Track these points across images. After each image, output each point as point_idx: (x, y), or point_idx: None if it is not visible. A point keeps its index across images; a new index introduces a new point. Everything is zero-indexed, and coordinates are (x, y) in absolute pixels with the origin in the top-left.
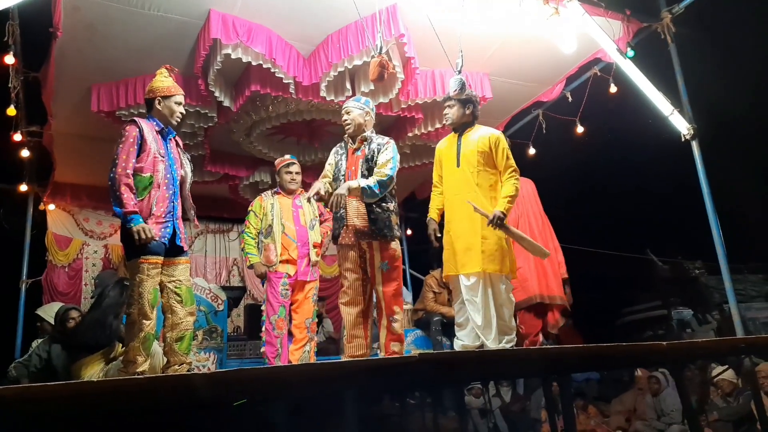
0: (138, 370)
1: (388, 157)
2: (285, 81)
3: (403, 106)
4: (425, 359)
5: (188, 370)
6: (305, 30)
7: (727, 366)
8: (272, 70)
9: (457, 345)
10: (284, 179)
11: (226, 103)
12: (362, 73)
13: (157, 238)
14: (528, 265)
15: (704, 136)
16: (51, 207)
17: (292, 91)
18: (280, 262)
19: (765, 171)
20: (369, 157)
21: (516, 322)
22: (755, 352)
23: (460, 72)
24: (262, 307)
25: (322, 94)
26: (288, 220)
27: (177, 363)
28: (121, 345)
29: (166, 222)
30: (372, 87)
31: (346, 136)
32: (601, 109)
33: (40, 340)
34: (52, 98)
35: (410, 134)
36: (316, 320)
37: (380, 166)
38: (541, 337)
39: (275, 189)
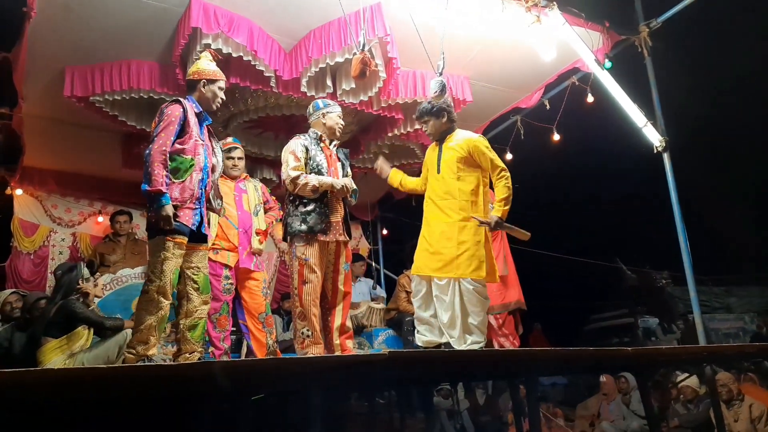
0: (148, 353)
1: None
2: (266, 74)
3: (383, 105)
4: (395, 357)
5: (199, 359)
6: (288, 24)
7: (690, 374)
8: (253, 63)
9: (420, 340)
10: (225, 165)
11: None
12: (344, 70)
13: (188, 224)
14: (512, 271)
15: (676, 149)
16: (18, 192)
17: (273, 85)
18: (220, 249)
19: (734, 185)
20: (342, 164)
21: (500, 323)
22: (716, 361)
23: (441, 74)
24: None
25: (303, 89)
26: (229, 204)
27: (188, 351)
28: (91, 331)
29: (196, 208)
30: (353, 84)
31: (320, 132)
32: (578, 118)
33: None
34: (24, 80)
35: (390, 134)
36: (270, 314)
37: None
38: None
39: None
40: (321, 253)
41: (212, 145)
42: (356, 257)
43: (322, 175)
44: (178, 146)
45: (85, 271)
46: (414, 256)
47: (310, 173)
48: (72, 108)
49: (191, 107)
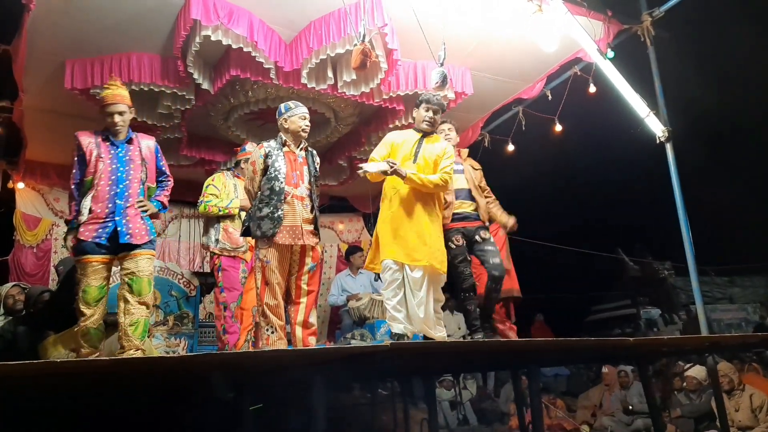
0: (82, 352)
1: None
2: (266, 66)
3: (384, 97)
4: (397, 348)
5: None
6: (288, 15)
7: (693, 363)
8: (253, 54)
9: (398, 329)
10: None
11: (205, 85)
12: (344, 61)
13: (88, 239)
14: (507, 259)
15: (678, 139)
16: (20, 186)
17: (273, 77)
18: (236, 248)
19: (737, 176)
20: (312, 168)
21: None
22: (718, 351)
23: (442, 65)
24: (222, 293)
25: (304, 80)
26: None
27: (131, 348)
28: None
29: (105, 221)
30: (354, 75)
31: (285, 137)
32: (580, 108)
33: (3, 321)
34: (24, 73)
35: (391, 125)
36: None
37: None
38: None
39: (235, 172)
40: (282, 256)
41: (141, 158)
42: (355, 249)
43: (279, 180)
44: (88, 173)
45: None
46: (394, 243)
47: (267, 179)
48: (73, 100)
49: (89, 134)
